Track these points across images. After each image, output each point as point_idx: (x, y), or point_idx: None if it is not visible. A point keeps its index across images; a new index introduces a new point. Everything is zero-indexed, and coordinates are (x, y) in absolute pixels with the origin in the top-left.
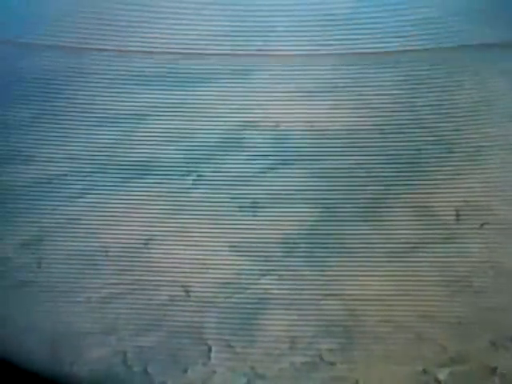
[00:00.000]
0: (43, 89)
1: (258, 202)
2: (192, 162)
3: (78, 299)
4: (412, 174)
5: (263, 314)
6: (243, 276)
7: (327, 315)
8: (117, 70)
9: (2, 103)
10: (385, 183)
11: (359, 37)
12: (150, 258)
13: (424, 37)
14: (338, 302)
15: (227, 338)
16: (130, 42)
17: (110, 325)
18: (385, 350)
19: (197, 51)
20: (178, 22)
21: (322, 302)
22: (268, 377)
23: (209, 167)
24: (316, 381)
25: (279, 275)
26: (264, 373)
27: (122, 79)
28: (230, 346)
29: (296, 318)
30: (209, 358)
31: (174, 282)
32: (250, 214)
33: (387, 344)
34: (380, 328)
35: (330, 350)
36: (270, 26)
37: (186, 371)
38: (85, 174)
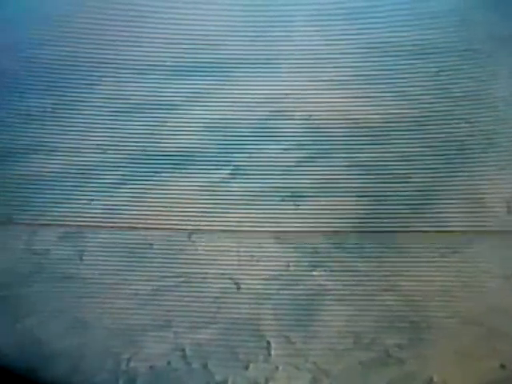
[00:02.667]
0: (66, 76)
1: (299, 193)
2: (227, 153)
3: (125, 293)
4: (458, 165)
5: (320, 308)
6: (292, 268)
7: (389, 310)
8: (140, 59)
9: (21, 92)
10: (431, 175)
11: (388, 28)
12: (195, 250)
13: (453, 28)
14: (398, 297)
15: (286, 333)
16: (150, 31)
17: (164, 319)
18: (456, 345)
19: (218, 41)
20: (197, 11)
21: (381, 297)
22: (333, 373)
23: (245, 158)
24: (385, 377)
25: (331, 269)
26: (329, 369)
27: (146, 68)
28: (290, 342)
29: (356, 312)
30: (269, 353)
31: (223, 274)
32: (293, 204)
33: (458, 339)
34: (447, 323)
35: (399, 346)
36: (291, 15)
37: (247, 367)
38: (117, 164)
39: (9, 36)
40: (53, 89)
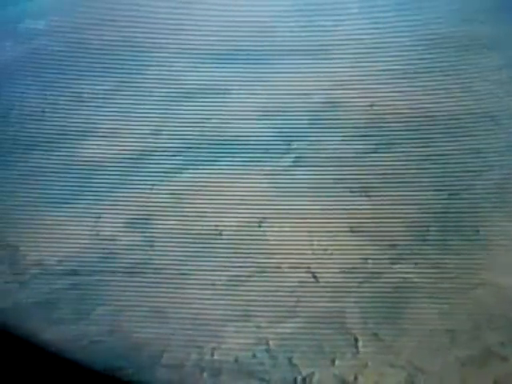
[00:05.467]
0: (119, 61)
1: (368, 185)
2: (286, 140)
3: (201, 282)
4: None
5: (408, 303)
6: (370, 261)
7: (483, 306)
8: (190, 45)
9: (74, 76)
10: (509, 169)
11: (448, 21)
12: (266, 239)
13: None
14: (492, 292)
15: (374, 328)
16: (201, 18)
17: (244, 310)
18: None
19: (268, 28)
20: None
21: (473, 292)
22: (430, 371)
23: (306, 146)
24: (488, 376)
25: (415, 263)
26: (424, 366)
27: (197, 53)
28: (379, 338)
29: (448, 308)
30: (357, 349)
31: (298, 265)
32: (364, 196)
33: None
34: None
35: (501, 344)
36: (342, 3)
37: (333, 363)
38: (176, 150)
39: (61, 19)
40: (106, 72)
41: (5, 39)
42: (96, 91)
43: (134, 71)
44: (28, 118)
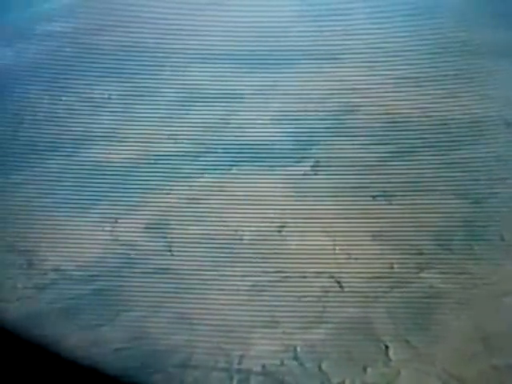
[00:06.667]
0: (133, 65)
1: (389, 191)
2: (303, 146)
3: (225, 288)
4: None
5: (438, 310)
6: (396, 269)
7: None
8: (206, 49)
9: (88, 80)
10: None
11: (461, 27)
12: (287, 245)
13: None
14: None
15: (405, 336)
16: (215, 23)
17: (270, 316)
18: None
19: (279, 33)
20: (261, 2)
21: (505, 299)
22: (467, 379)
23: (323, 152)
24: None
25: (441, 271)
26: (460, 374)
27: (211, 58)
28: (410, 346)
29: (480, 315)
30: (388, 356)
31: (322, 271)
32: (386, 203)
33: None
34: None
35: None
36: (352, 9)
37: (365, 371)
38: (193, 154)
39: (72, 23)
40: (119, 76)
41: (21, 41)
42: (110, 95)
43: (149, 75)
44: (42, 121)
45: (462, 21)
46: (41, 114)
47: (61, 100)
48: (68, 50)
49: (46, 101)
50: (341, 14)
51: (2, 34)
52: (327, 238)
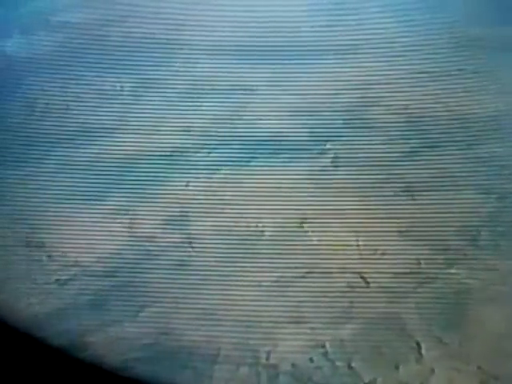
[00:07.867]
0: (144, 57)
1: (412, 186)
2: (321, 140)
3: (248, 283)
4: None
5: (469, 307)
6: (423, 265)
7: None
8: (218, 42)
9: (99, 71)
10: None
11: (481, 21)
12: (309, 239)
13: None
14: None
15: (436, 333)
16: (228, 14)
17: (296, 312)
18: None
19: (293, 27)
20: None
21: None
22: (504, 377)
23: (342, 147)
24: None
25: (469, 267)
26: (497, 372)
27: (221, 50)
28: (443, 343)
29: (510, 312)
30: (420, 354)
31: (346, 268)
32: (409, 198)
33: None
34: None
35: None
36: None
37: (397, 368)
38: (208, 147)
39: (85, 13)
40: (131, 68)
41: (36, 31)
42: (122, 87)
43: (160, 67)
44: (54, 112)
45: (476, 15)
46: (52, 104)
47: (73, 91)
48: (80, 40)
49: (57, 92)
50: (354, 8)
51: (16, 25)
52: (350, 234)
